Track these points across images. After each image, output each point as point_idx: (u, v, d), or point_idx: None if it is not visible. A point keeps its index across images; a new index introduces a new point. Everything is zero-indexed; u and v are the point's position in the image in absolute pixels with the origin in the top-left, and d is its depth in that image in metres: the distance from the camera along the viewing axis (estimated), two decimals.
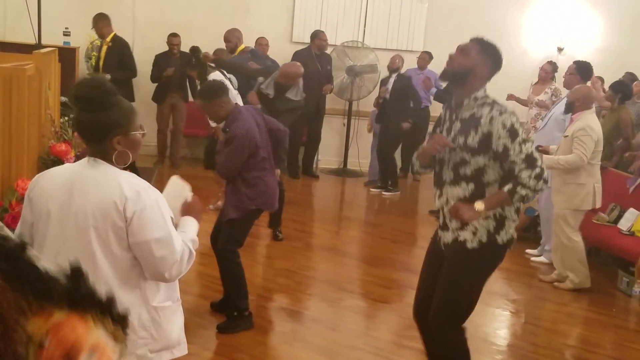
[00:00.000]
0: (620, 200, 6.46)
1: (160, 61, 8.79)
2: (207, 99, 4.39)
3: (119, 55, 7.98)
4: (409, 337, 4.76)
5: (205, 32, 8.98)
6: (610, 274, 6.09)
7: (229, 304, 4.58)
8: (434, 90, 8.32)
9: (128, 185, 2.27)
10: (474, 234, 3.22)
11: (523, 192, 3.11)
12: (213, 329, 4.50)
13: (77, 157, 5.26)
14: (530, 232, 7.02)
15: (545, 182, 3.16)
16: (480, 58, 3.23)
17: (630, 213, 6.24)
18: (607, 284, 5.99)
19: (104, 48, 7.97)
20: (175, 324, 2.47)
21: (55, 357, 1.13)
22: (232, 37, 8.23)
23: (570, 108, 5.66)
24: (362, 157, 9.71)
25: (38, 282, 1.15)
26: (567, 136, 5.56)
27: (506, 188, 3.13)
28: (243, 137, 4.35)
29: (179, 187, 2.65)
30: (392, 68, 8.83)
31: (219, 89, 4.40)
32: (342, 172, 9.78)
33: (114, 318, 1.27)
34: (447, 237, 3.34)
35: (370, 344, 4.47)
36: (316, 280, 5.67)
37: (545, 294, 5.67)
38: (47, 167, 3.76)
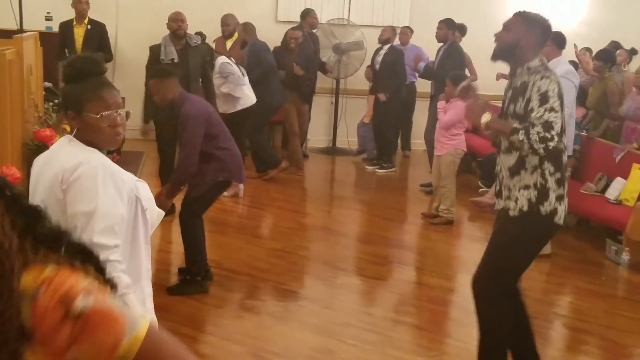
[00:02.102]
0: (608, 170, 6.51)
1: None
2: (158, 78, 4.65)
3: (98, 39, 7.88)
4: (403, 312, 4.83)
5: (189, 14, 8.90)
6: (598, 243, 6.16)
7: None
8: (422, 64, 8.27)
9: (72, 156, 2.19)
10: (516, 202, 3.31)
11: (521, 137, 3.17)
12: (204, 310, 4.53)
13: None
14: None
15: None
16: (524, 30, 3.32)
17: (618, 182, 6.29)
18: (596, 253, 6.06)
19: (82, 31, 7.84)
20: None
21: (50, 306, 1.16)
22: (230, 21, 8.15)
23: None
24: (351, 136, 9.71)
25: (45, 231, 1.21)
26: None
27: (515, 124, 3.21)
28: (196, 115, 4.56)
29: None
30: (383, 39, 8.75)
31: (171, 71, 4.71)
32: (332, 151, 9.79)
33: (96, 268, 1.30)
34: (499, 204, 3.46)
35: (364, 320, 4.52)
36: (309, 260, 5.70)
37: (535, 264, 5.71)
38: (32, 153, 3.76)
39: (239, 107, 7.13)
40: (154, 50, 6.18)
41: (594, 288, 5.35)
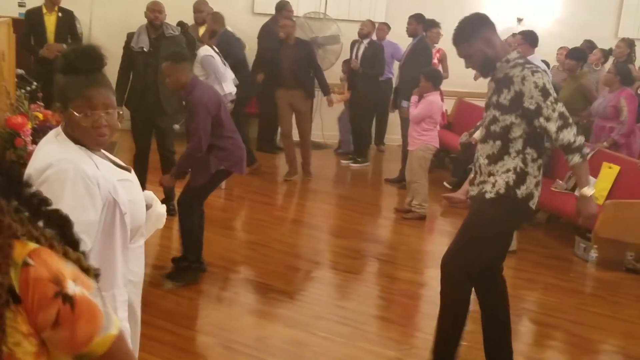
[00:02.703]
0: None
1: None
2: (175, 62, 4.62)
3: (70, 27, 7.75)
4: (374, 306, 4.86)
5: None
6: (568, 240, 6.25)
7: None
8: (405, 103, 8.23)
9: (45, 155, 2.12)
10: (493, 185, 3.35)
11: (577, 159, 3.25)
12: (176, 302, 4.52)
13: (34, 130, 5.19)
14: None
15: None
16: (476, 44, 3.36)
17: None
18: (565, 250, 6.15)
19: (53, 19, 7.70)
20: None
21: (43, 278, 1.19)
22: (203, 7, 8.09)
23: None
24: (326, 130, 9.72)
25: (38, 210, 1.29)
26: None
27: (572, 162, 3.27)
28: (206, 102, 4.57)
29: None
30: (363, 34, 8.76)
31: (187, 56, 4.75)
32: None
33: (74, 247, 1.31)
34: (473, 190, 3.49)
35: (336, 313, 4.54)
36: (282, 253, 5.71)
37: (506, 261, 5.77)
38: (3, 141, 3.71)
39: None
40: (129, 38, 6.13)
41: (562, 284, 5.44)
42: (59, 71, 2.18)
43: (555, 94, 3.29)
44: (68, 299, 1.19)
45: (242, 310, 4.60)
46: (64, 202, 1.98)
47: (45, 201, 1.33)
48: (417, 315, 4.75)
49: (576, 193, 3.44)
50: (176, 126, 6.46)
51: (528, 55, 5.99)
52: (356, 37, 8.92)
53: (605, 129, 6.55)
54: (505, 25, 9.51)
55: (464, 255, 3.44)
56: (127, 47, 6.09)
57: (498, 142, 3.35)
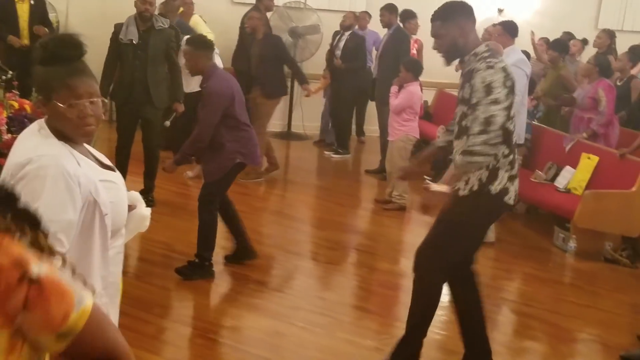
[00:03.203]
0: (557, 159, 6.63)
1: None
2: (195, 48, 4.65)
3: (43, 15, 7.61)
4: (354, 296, 4.85)
5: None
6: (547, 230, 6.27)
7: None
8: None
9: (26, 150, 2.04)
10: (467, 182, 3.35)
11: (476, 159, 3.22)
12: (155, 292, 4.48)
13: (9, 119, 5.10)
14: None
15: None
16: (450, 27, 3.34)
17: (567, 171, 6.42)
18: (544, 240, 6.18)
19: (26, 7, 7.53)
20: None
21: (5, 265, 1.16)
22: None
23: None
24: (306, 120, 9.68)
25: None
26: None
27: (456, 160, 3.27)
28: (219, 93, 4.55)
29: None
30: (345, 25, 8.73)
31: (211, 44, 4.75)
32: (287, 136, 9.75)
33: (38, 229, 1.28)
34: (447, 187, 3.48)
35: (315, 304, 4.52)
36: (261, 244, 5.67)
37: (485, 251, 5.78)
38: None
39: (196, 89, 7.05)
40: (117, 29, 5.97)
41: (541, 274, 5.46)
42: (38, 62, 2.09)
43: (500, 95, 3.19)
44: (34, 281, 1.16)
45: (221, 301, 4.57)
46: (42, 199, 1.93)
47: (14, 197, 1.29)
48: (396, 306, 4.73)
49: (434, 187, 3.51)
50: (167, 123, 6.35)
51: (508, 45, 5.99)
52: (337, 27, 8.88)
53: (584, 119, 6.58)
54: (485, 16, 9.54)
55: (437, 250, 3.46)
56: (115, 38, 5.93)
57: (465, 138, 3.32)
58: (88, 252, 2.06)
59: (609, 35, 8.32)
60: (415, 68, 6.58)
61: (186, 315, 4.25)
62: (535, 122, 7.28)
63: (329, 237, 5.87)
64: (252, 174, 7.34)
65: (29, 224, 1.26)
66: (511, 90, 3.25)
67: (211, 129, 4.56)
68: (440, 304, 4.21)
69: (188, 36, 6.17)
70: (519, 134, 6.03)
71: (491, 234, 5.84)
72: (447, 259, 3.47)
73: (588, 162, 6.25)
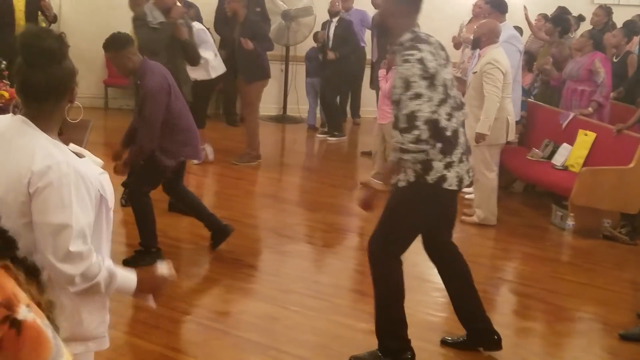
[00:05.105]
0: (554, 136, 6.56)
1: None
2: (115, 50, 4.34)
3: (37, 5, 7.46)
4: (348, 279, 4.80)
5: None
6: (544, 209, 6.21)
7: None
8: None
9: (41, 157, 1.95)
10: (405, 174, 3.35)
11: (407, 156, 3.21)
12: None
13: (0, 109, 5.02)
14: None
15: (426, 142, 3.18)
16: (391, 6, 3.29)
17: (564, 148, 6.34)
18: (542, 219, 6.11)
19: None
20: (94, 314, 2.13)
21: None
22: None
23: (477, 44, 5.74)
24: (301, 103, 9.60)
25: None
26: (476, 72, 5.60)
27: (391, 157, 3.28)
28: (158, 90, 4.38)
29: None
30: (333, 12, 8.67)
31: (125, 40, 4.35)
32: (282, 119, 9.68)
33: (27, 270, 1.25)
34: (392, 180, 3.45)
35: (309, 287, 4.46)
36: (255, 228, 5.62)
37: (483, 231, 5.74)
38: None
39: (214, 75, 6.97)
40: (140, 15, 5.54)
41: (538, 253, 5.40)
42: (57, 60, 1.97)
43: (419, 88, 3.13)
44: (15, 324, 1.13)
45: (214, 286, 4.52)
46: (73, 209, 1.92)
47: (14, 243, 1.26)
48: None
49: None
50: None
51: (500, 22, 5.90)
52: (328, 7, 8.79)
53: (577, 91, 6.50)
54: None
55: (385, 237, 3.46)
56: (142, 24, 5.49)
57: (397, 132, 3.29)
58: (98, 247, 2.04)
59: (606, 12, 8.21)
60: None
61: (179, 301, 4.19)
62: (531, 99, 7.19)
63: (323, 220, 5.80)
64: (245, 157, 7.27)
65: (25, 272, 1.24)
66: (432, 81, 3.16)
67: (158, 127, 4.42)
68: (436, 286, 4.18)
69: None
70: (515, 112, 5.95)
71: (492, 217, 5.78)
72: (396, 244, 3.46)
73: (585, 139, 6.18)
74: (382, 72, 6.57)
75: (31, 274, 1.24)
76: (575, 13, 8.39)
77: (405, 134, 3.17)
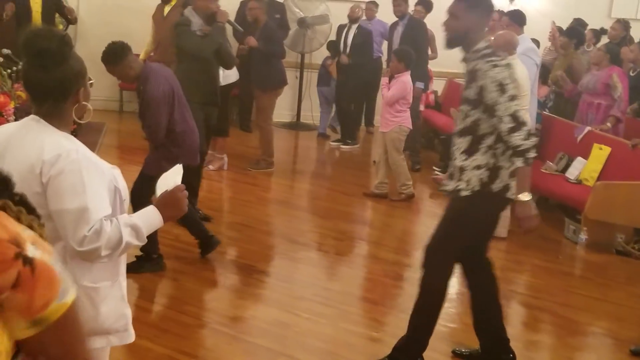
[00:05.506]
0: (568, 149, 6.53)
1: None
2: (113, 63, 4.24)
3: (58, 6, 7.52)
4: (359, 287, 4.80)
5: None
6: (557, 222, 6.18)
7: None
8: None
9: (51, 147, 1.99)
10: (468, 183, 3.32)
11: (529, 155, 3.18)
12: (160, 282, 4.44)
13: (17, 109, 5.07)
14: None
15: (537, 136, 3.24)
16: (471, 15, 3.31)
17: (578, 162, 6.32)
18: (555, 232, 6.08)
19: None
20: (112, 307, 2.15)
21: (2, 239, 1.14)
22: None
23: None
24: (315, 111, 9.62)
25: None
26: None
27: (515, 165, 3.20)
28: (160, 97, 4.35)
29: (172, 174, 2.34)
30: (353, 18, 8.68)
31: (122, 51, 4.22)
32: (295, 126, 9.70)
33: (28, 208, 1.26)
34: (450, 185, 3.44)
35: (319, 294, 4.46)
36: (268, 234, 5.63)
37: (494, 243, 5.68)
38: None
39: (231, 81, 6.98)
40: (184, 22, 5.57)
41: (551, 266, 5.38)
42: (56, 61, 2.00)
43: (513, 91, 3.20)
44: (28, 261, 1.14)
45: (225, 291, 4.53)
46: (87, 193, 1.97)
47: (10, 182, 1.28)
48: (402, 297, 4.66)
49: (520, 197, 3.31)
50: None
51: (518, 35, 5.89)
52: (344, 16, 8.80)
53: (593, 105, 6.47)
54: (496, 4, 9.40)
55: (444, 246, 3.46)
56: (183, 31, 5.49)
57: (469, 137, 3.32)
58: None
59: (624, 26, 8.18)
60: (407, 58, 6.48)
61: (191, 305, 4.20)
62: (546, 112, 7.18)
63: (335, 227, 5.80)
64: (261, 163, 7.29)
65: (25, 209, 1.24)
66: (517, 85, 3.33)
67: (162, 130, 4.41)
68: (448, 297, 4.17)
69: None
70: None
71: (503, 230, 5.75)
72: (452, 258, 3.47)
73: (600, 153, 6.15)
74: (384, 80, 6.60)
75: (31, 211, 1.25)
76: (592, 27, 8.37)
77: (514, 134, 3.15)
